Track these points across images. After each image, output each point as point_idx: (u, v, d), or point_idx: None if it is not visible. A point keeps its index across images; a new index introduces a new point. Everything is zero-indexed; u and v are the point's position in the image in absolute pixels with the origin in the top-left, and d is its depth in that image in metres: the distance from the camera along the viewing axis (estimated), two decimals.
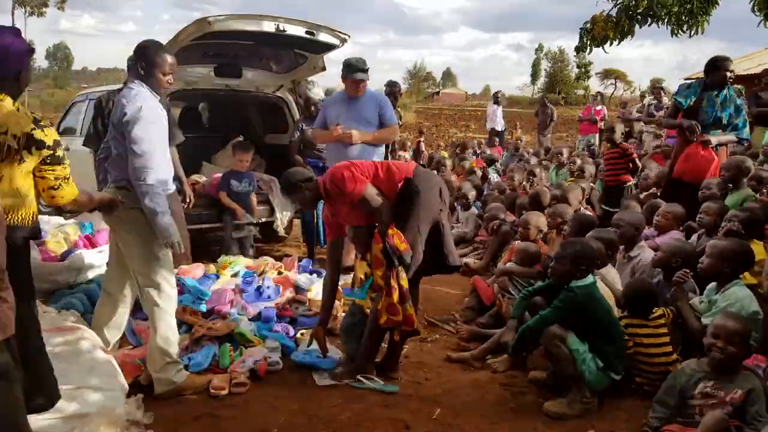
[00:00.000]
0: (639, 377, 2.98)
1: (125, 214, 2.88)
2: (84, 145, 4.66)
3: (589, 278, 2.95)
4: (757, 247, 3.29)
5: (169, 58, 2.93)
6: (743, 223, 3.37)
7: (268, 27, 4.74)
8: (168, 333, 2.93)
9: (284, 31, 4.78)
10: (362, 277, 3.26)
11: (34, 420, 2.41)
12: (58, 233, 3.97)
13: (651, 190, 5.59)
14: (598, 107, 12.68)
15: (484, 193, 7.23)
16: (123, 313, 3.18)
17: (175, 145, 4.42)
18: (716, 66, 4.59)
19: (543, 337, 2.88)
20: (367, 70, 4.65)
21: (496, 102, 14.05)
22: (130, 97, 2.81)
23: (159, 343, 2.91)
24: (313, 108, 5.74)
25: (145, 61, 2.88)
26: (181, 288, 3.89)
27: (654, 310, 3.02)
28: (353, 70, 4.58)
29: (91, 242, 4.02)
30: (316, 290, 4.13)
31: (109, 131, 3.03)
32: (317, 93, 6.65)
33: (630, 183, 6.07)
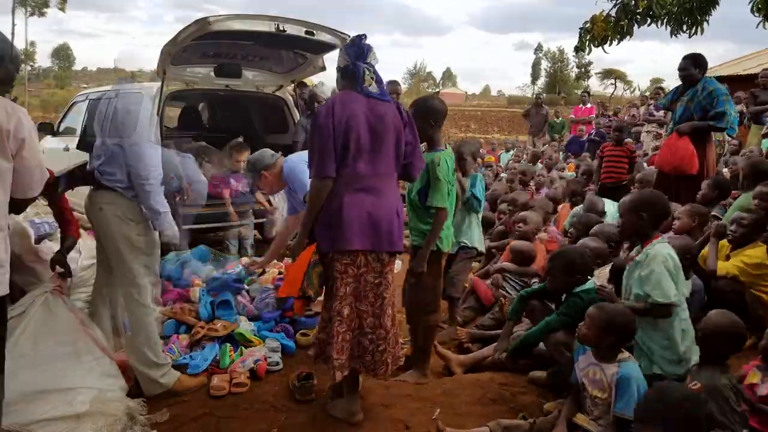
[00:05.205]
0: None
1: (102, 215, 2.91)
2: None
3: (590, 283, 2.95)
4: (758, 251, 3.29)
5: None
6: (749, 226, 3.36)
7: (268, 27, 4.73)
8: (149, 334, 2.94)
9: (284, 31, 4.78)
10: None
11: (34, 420, 2.42)
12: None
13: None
14: (588, 105, 12.58)
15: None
16: (107, 315, 3.19)
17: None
18: None
19: (548, 343, 2.89)
20: None
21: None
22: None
23: (141, 345, 2.91)
24: (316, 105, 5.73)
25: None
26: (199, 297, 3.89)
27: None
28: None
29: None
30: None
31: (104, 131, 3.00)
32: (325, 92, 6.63)
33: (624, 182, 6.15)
